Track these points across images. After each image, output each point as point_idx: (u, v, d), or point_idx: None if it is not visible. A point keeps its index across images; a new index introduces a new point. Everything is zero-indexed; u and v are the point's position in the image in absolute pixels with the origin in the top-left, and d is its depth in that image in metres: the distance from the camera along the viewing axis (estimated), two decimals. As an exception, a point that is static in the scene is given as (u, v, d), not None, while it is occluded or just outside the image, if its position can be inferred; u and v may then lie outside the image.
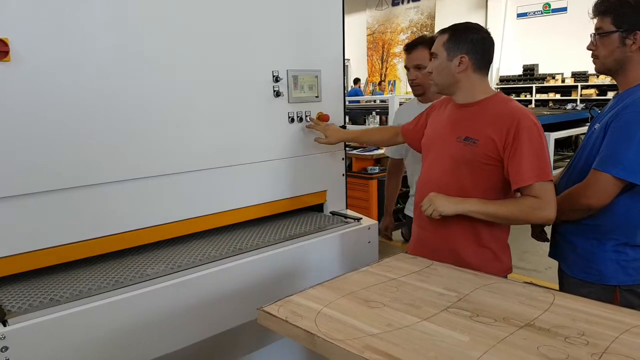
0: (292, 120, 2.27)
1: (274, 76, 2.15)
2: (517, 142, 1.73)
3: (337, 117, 2.45)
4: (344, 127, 2.49)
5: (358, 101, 8.59)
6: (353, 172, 4.94)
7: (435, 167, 1.95)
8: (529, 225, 2.08)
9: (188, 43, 1.89)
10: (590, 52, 1.84)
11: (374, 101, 8.47)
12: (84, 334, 1.55)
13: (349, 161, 4.97)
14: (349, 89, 12.60)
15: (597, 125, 1.85)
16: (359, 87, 13.29)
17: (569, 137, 9.87)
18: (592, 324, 1.26)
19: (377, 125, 6.51)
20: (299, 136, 2.32)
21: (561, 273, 1.97)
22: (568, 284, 1.91)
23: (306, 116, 2.32)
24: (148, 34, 1.78)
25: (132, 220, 1.84)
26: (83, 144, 1.68)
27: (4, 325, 1.42)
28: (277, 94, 2.17)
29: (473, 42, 1.84)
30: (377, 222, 2.44)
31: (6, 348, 1.40)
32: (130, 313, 1.64)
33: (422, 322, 1.29)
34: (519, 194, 1.80)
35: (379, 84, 14.89)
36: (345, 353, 1.17)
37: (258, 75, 2.12)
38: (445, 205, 1.80)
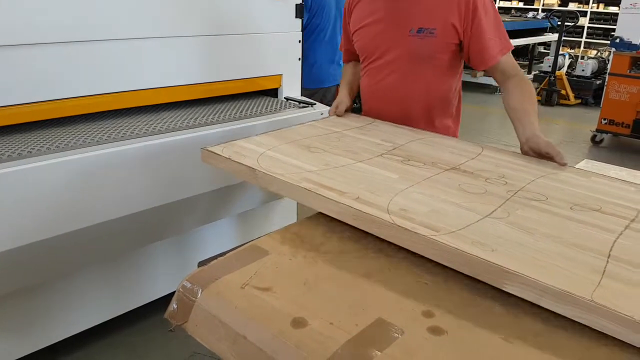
0: (246, -11, 2.11)
1: None
2: (476, 20, 1.61)
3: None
4: None
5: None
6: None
7: (389, 73, 1.76)
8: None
9: None
10: None
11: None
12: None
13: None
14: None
15: None
16: None
17: (526, 46, 9.95)
18: (513, 170, 1.36)
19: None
20: (253, 10, 2.18)
21: None
22: None
23: None
24: None
25: (73, 87, 1.77)
26: None
27: None
28: None
29: None
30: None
31: None
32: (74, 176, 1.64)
33: (357, 164, 1.37)
34: None
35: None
36: (283, 183, 1.24)
37: None
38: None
